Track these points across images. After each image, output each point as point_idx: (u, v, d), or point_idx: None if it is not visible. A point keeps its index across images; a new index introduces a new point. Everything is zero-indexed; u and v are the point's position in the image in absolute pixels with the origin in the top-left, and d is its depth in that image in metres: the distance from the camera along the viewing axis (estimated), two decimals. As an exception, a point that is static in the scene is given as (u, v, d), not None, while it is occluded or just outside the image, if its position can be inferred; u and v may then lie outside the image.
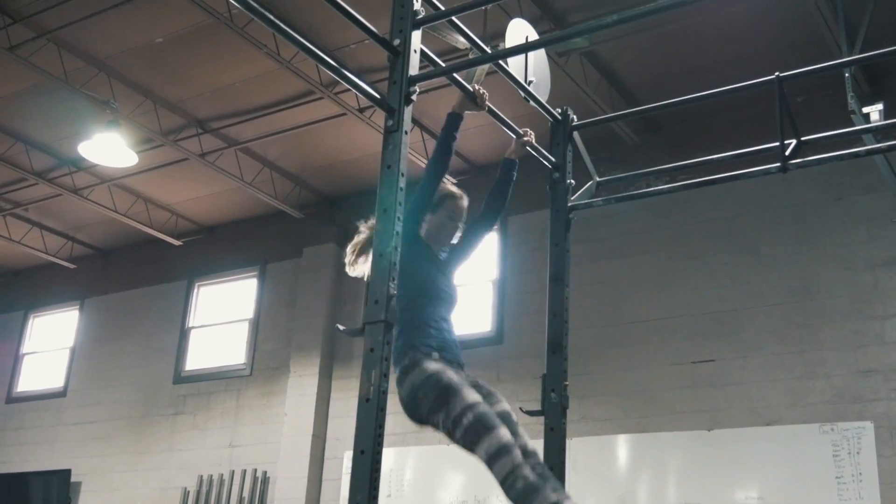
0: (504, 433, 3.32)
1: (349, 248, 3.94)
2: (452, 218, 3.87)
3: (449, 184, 3.91)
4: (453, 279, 3.94)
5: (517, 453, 3.31)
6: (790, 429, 7.13)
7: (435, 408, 3.42)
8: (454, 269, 3.99)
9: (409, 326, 3.57)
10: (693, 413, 7.59)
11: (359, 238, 3.93)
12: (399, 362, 3.54)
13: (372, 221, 3.72)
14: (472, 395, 3.39)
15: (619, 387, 7.97)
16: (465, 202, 3.92)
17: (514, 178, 4.15)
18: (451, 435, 3.41)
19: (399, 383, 3.53)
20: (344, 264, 4.02)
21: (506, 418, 3.53)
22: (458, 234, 3.94)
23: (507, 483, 3.28)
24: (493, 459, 3.29)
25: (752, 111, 7.27)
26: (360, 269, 3.91)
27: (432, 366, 3.48)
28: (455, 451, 9.20)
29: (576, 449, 7.70)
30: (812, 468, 6.93)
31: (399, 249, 3.28)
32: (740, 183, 7.24)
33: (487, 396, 3.56)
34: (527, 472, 3.28)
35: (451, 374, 3.46)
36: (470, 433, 3.33)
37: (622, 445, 7.83)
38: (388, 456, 8.60)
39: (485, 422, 3.32)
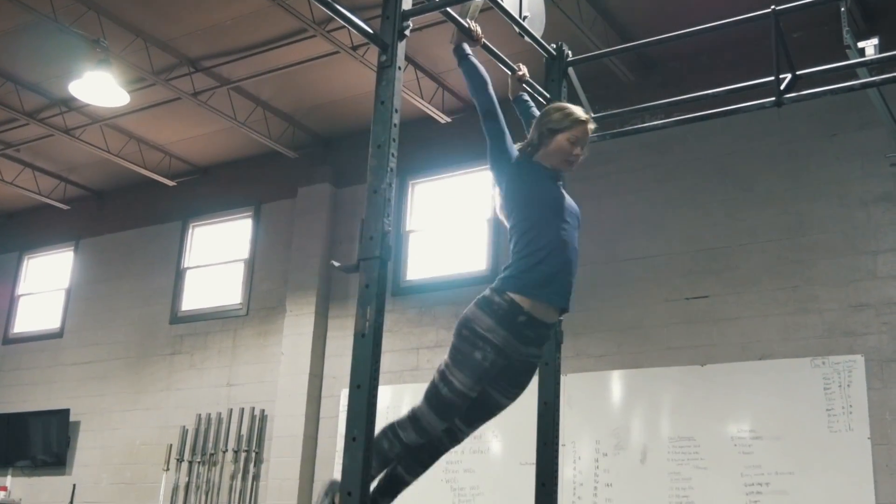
0: (440, 427, 3.43)
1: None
2: (573, 143, 3.58)
3: (577, 108, 3.69)
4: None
5: (419, 443, 3.47)
6: (782, 363, 7.22)
7: (453, 351, 3.39)
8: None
9: (524, 251, 3.44)
10: (687, 349, 7.66)
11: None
12: (494, 286, 3.43)
13: None
14: (470, 386, 3.35)
15: (613, 323, 8.03)
16: (590, 126, 3.64)
17: (533, 107, 4.17)
18: (437, 367, 3.45)
19: (475, 302, 3.43)
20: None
21: (487, 407, 3.56)
22: (576, 164, 3.66)
23: (385, 436, 3.47)
24: (412, 422, 3.44)
25: (748, 49, 7.23)
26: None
27: (495, 331, 3.33)
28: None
29: (571, 385, 7.79)
30: (803, 401, 7.03)
31: (393, 185, 3.28)
32: (735, 120, 7.25)
33: (502, 388, 3.53)
34: (399, 459, 3.55)
35: (491, 356, 3.32)
36: (432, 393, 3.41)
37: (616, 381, 7.91)
38: (385, 393, 8.68)
39: (446, 406, 3.38)
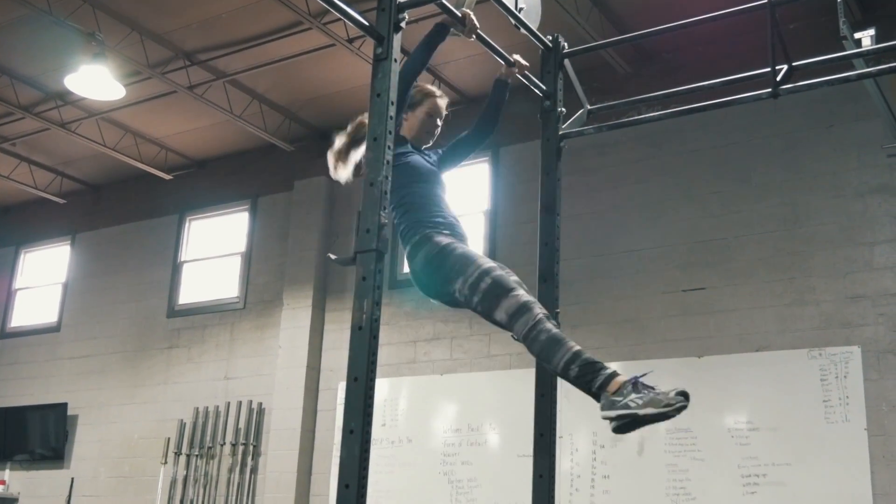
0: (523, 293, 3.36)
1: (330, 156, 4.07)
2: (431, 115, 3.98)
3: (428, 84, 4.04)
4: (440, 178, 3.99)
5: (538, 309, 3.32)
6: (779, 354, 7.23)
7: (452, 276, 3.47)
8: (442, 171, 4.07)
9: (413, 206, 3.69)
10: (684, 340, 7.67)
11: (337, 145, 4.08)
12: (408, 239, 3.63)
13: (349, 127, 3.97)
14: (488, 261, 3.48)
15: (610, 315, 8.04)
16: (443, 101, 4.05)
17: (506, 98, 4.20)
18: (469, 302, 3.45)
19: (410, 258, 3.61)
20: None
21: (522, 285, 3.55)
22: (436, 133, 4.04)
23: (529, 338, 3.28)
24: (515, 318, 3.32)
25: (744, 40, 7.22)
26: (342, 173, 4.01)
27: (444, 239, 3.58)
28: (448, 382, 9.36)
29: (567, 377, 7.79)
30: (800, 392, 7.04)
31: (389, 178, 3.28)
32: (731, 112, 7.26)
33: (502, 268, 3.61)
34: (549, 325, 3.29)
35: (452, 243, 3.56)
36: (489, 296, 3.38)
37: (613, 373, 7.91)
38: (382, 386, 8.71)
39: (503, 283, 3.38)
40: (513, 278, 3.50)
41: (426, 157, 3.96)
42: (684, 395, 3.10)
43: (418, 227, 3.64)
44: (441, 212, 3.72)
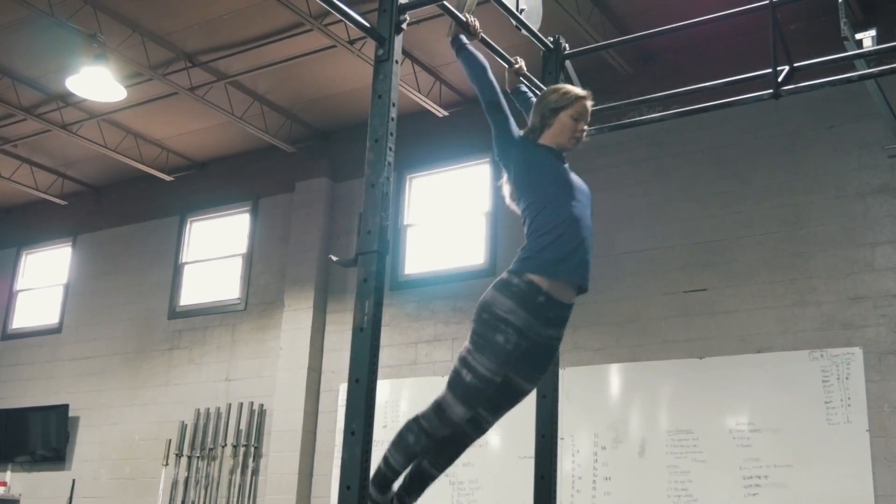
0: (465, 416, 3.38)
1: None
2: (577, 119, 3.61)
3: (573, 86, 3.77)
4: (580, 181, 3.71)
5: (444, 434, 3.43)
6: (780, 355, 7.22)
7: (474, 336, 3.36)
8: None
9: (538, 231, 3.43)
10: (685, 342, 7.67)
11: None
12: (512, 268, 3.41)
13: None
14: (494, 370, 3.31)
15: (611, 317, 8.03)
16: (589, 102, 3.66)
17: (531, 96, 4.19)
18: (459, 355, 3.40)
19: (493, 285, 3.42)
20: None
21: (510, 394, 3.54)
22: (582, 139, 3.68)
23: (410, 430, 3.45)
24: (436, 412, 3.39)
25: (745, 41, 7.21)
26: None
27: (515, 313, 3.32)
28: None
29: (569, 378, 7.79)
30: (801, 394, 7.03)
31: (391, 179, 3.28)
32: (732, 112, 7.25)
33: (524, 373, 3.52)
34: (424, 453, 3.51)
35: (514, 338, 3.31)
36: (456, 381, 3.36)
37: (615, 374, 7.92)
38: (384, 388, 8.71)
39: (471, 393, 3.33)
40: (516, 385, 3.53)
41: (562, 167, 3.63)
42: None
43: (523, 261, 3.39)
44: (558, 239, 3.40)
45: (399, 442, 3.43)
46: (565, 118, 3.60)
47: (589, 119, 3.69)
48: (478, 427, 3.59)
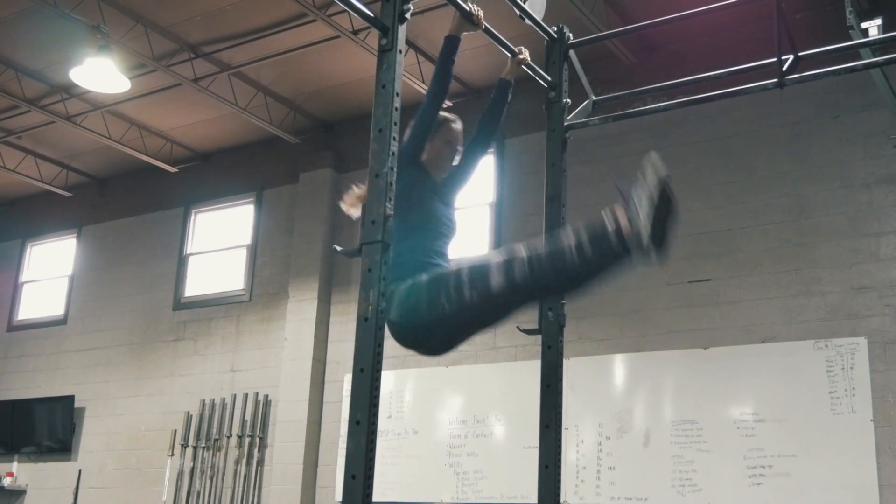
0: (498, 253, 3.25)
1: (346, 199, 3.85)
2: (450, 142, 3.84)
3: (441, 110, 3.82)
4: (454, 207, 3.90)
5: (520, 249, 3.19)
6: (785, 345, 7.22)
7: (433, 296, 3.32)
8: (454, 195, 3.95)
9: (403, 259, 3.48)
10: (689, 332, 7.67)
11: (358, 192, 3.78)
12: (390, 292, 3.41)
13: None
14: (453, 264, 3.38)
15: (615, 307, 8.03)
16: (459, 125, 3.89)
17: (509, 100, 4.12)
18: (464, 303, 3.26)
19: (388, 313, 3.35)
20: (341, 189, 4.02)
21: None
22: (457, 159, 3.90)
23: (535, 271, 3.13)
24: (511, 272, 3.17)
25: (750, 30, 7.20)
26: (355, 213, 3.83)
27: (408, 280, 3.42)
28: (454, 374, 9.32)
29: (573, 369, 7.81)
30: (806, 384, 7.03)
31: (395, 170, 3.28)
32: (737, 102, 7.24)
33: None
34: (539, 249, 3.18)
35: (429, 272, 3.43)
36: (477, 279, 3.22)
37: (619, 365, 7.93)
38: (388, 378, 8.71)
39: (480, 262, 3.26)
40: (487, 255, 3.46)
41: (439, 193, 3.80)
42: (657, 164, 3.02)
43: (398, 282, 3.43)
44: (430, 268, 3.50)
45: (554, 261, 3.12)
46: (438, 141, 3.83)
47: (459, 141, 3.90)
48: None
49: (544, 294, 3.67)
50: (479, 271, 3.23)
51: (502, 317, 3.41)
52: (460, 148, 3.90)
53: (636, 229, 2.93)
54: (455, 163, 3.90)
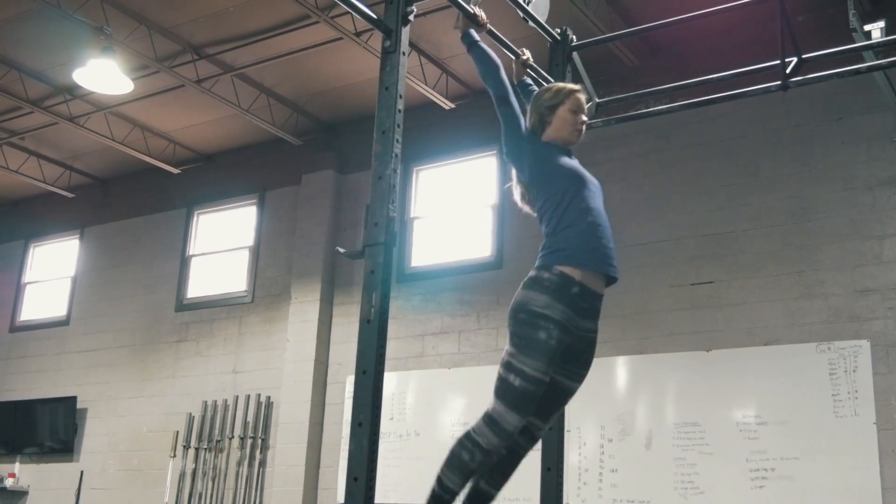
0: (518, 424, 3.22)
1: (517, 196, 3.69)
2: (575, 112, 3.60)
3: (561, 82, 3.82)
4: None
5: (500, 447, 3.25)
6: (787, 348, 7.21)
7: (514, 339, 3.26)
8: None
9: (561, 224, 3.38)
10: (692, 334, 7.66)
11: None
12: (539, 264, 3.35)
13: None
14: (542, 369, 3.21)
15: (618, 309, 8.01)
16: (583, 95, 3.68)
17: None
18: (502, 361, 3.28)
19: (523, 285, 3.33)
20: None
21: (557, 395, 3.45)
22: (584, 130, 3.66)
23: (464, 447, 3.28)
24: (489, 425, 3.24)
25: (753, 32, 7.19)
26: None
27: (552, 307, 3.24)
28: (456, 375, 9.30)
29: (575, 371, 7.78)
30: (809, 386, 7.02)
31: (397, 171, 3.27)
32: (740, 105, 7.25)
33: (568, 371, 3.44)
34: (480, 470, 3.34)
35: (556, 332, 3.22)
36: (504, 389, 3.22)
37: (621, 367, 7.92)
38: (390, 380, 8.71)
39: (522, 398, 3.19)
40: (563, 385, 3.45)
41: (573, 161, 3.64)
42: None
43: (553, 254, 3.33)
44: (588, 228, 3.39)
45: (452, 461, 3.28)
46: (564, 113, 3.59)
47: (586, 110, 3.68)
48: (530, 437, 3.48)
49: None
50: (509, 396, 3.23)
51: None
52: (586, 118, 3.67)
53: None
54: (581, 136, 3.66)
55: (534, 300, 3.25)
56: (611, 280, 3.47)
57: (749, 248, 7.61)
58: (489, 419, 3.24)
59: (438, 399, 8.79)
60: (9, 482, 11.35)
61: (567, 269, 3.29)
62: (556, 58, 4.62)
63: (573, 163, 3.58)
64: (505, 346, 3.30)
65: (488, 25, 3.87)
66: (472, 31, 3.73)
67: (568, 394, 3.51)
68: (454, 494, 3.30)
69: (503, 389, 3.23)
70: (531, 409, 3.25)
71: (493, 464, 3.37)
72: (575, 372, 3.47)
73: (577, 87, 3.70)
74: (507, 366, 3.24)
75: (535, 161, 3.50)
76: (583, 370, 3.49)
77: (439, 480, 3.30)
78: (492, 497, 3.46)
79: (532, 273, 3.34)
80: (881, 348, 6.88)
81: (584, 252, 3.34)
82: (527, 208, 3.63)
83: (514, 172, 3.65)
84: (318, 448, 9.39)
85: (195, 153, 11.29)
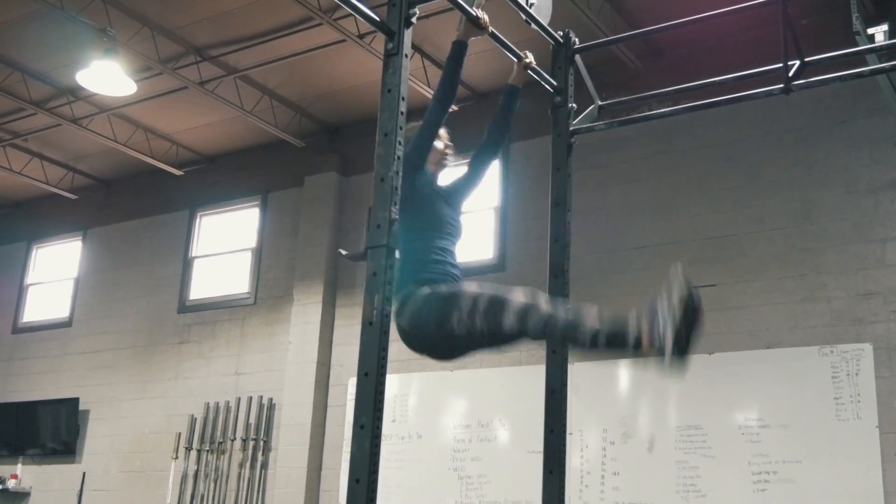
0: (521, 293, 3.25)
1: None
2: (449, 145, 3.93)
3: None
4: (460, 211, 3.93)
5: (542, 302, 3.24)
6: (790, 351, 7.20)
7: (445, 315, 3.34)
8: (461, 200, 3.99)
9: (411, 259, 3.54)
10: (694, 337, 7.63)
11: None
12: (397, 296, 3.47)
13: None
14: (475, 286, 3.37)
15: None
16: (444, 131, 3.94)
17: (517, 106, 4.14)
18: (473, 329, 3.30)
19: (398, 316, 3.48)
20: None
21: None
22: (448, 165, 3.99)
23: (547, 331, 3.25)
24: (525, 320, 3.21)
25: (756, 35, 7.19)
26: None
27: (426, 289, 3.48)
28: (458, 378, 9.32)
29: (578, 374, 7.73)
30: (811, 390, 7.01)
31: (400, 174, 3.28)
32: (742, 108, 7.23)
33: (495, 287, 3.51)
34: (561, 312, 3.23)
35: (448, 285, 3.49)
36: (491, 313, 3.24)
37: (623, 370, 7.91)
38: (392, 382, 8.69)
39: (499, 295, 3.26)
40: (511, 290, 3.44)
41: (444, 195, 3.88)
42: (682, 279, 3.23)
43: (408, 284, 3.51)
44: (439, 266, 3.61)
45: (565, 335, 3.30)
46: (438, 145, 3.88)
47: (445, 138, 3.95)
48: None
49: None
50: (495, 305, 3.25)
51: (505, 346, 3.52)
52: (450, 153, 3.99)
53: (657, 348, 3.11)
54: (444, 169, 3.97)
55: (416, 303, 3.49)
56: None
57: (751, 251, 7.61)
58: (521, 322, 3.22)
59: (440, 402, 8.79)
60: (11, 483, 11.36)
61: (416, 287, 3.55)
62: (559, 61, 4.61)
63: (440, 200, 3.81)
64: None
65: (490, 28, 3.87)
66: (465, 43, 3.72)
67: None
68: (597, 333, 3.21)
69: (492, 314, 3.25)
70: (512, 290, 3.31)
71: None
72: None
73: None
74: (470, 316, 3.29)
75: (411, 189, 3.61)
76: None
77: (592, 345, 3.23)
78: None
79: (397, 307, 3.50)
80: (884, 352, 6.87)
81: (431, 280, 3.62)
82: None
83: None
84: (320, 450, 9.39)
85: (198, 155, 11.30)
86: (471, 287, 3.40)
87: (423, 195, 3.68)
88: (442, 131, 3.88)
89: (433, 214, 3.71)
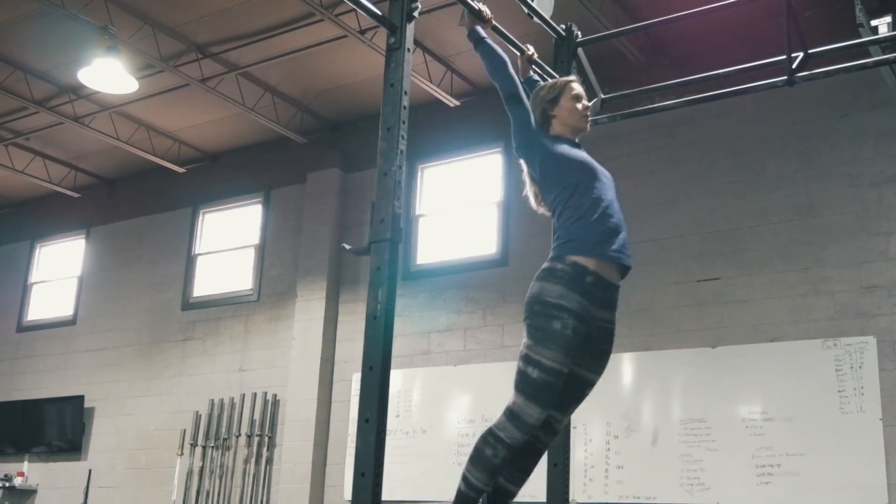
0: (540, 416, 3.21)
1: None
2: (576, 99, 3.62)
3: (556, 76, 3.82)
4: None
5: (522, 441, 3.25)
6: (794, 344, 7.20)
7: (531, 331, 3.26)
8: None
9: (573, 215, 3.37)
10: (698, 331, 7.65)
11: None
12: (553, 255, 3.35)
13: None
14: (561, 360, 3.19)
15: (624, 306, 7.87)
16: (577, 83, 3.70)
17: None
18: (520, 355, 3.28)
19: (537, 276, 3.34)
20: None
21: (577, 387, 3.42)
22: (589, 115, 3.71)
23: (487, 443, 3.28)
24: (510, 419, 3.24)
25: (759, 28, 7.17)
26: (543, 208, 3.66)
27: (567, 297, 3.23)
28: (462, 373, 9.32)
29: (581, 368, 7.79)
30: (815, 383, 7.01)
31: (403, 168, 3.28)
32: (746, 101, 7.22)
33: (587, 363, 3.41)
34: (503, 466, 3.32)
35: (571, 322, 3.21)
36: (524, 382, 3.22)
37: (627, 363, 7.91)
38: (396, 377, 8.72)
39: (542, 390, 3.19)
40: (581, 375, 3.40)
41: (583, 150, 3.64)
42: None
43: (566, 245, 3.32)
44: (600, 218, 3.38)
45: (476, 458, 3.30)
46: (566, 103, 3.60)
47: (585, 97, 3.69)
48: (550, 430, 3.46)
49: None
50: (529, 388, 3.23)
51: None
52: (588, 103, 3.70)
53: None
54: (588, 121, 3.69)
55: (548, 291, 3.25)
56: (625, 270, 3.45)
57: (755, 244, 7.60)
58: (510, 413, 3.24)
59: (444, 396, 8.79)
60: (18, 481, 11.38)
61: (580, 259, 3.28)
62: (562, 54, 4.62)
63: (583, 154, 3.57)
64: (522, 338, 3.29)
65: (493, 22, 3.87)
66: (479, 28, 3.73)
67: (587, 386, 3.47)
68: (480, 492, 3.34)
69: (523, 382, 3.22)
70: (551, 402, 3.24)
71: (515, 458, 3.36)
72: (593, 363, 3.44)
73: (571, 77, 3.75)
74: (525, 358, 3.24)
75: (546, 155, 3.49)
76: (601, 361, 3.46)
77: (465, 479, 3.36)
78: (513, 494, 3.47)
79: (546, 264, 3.34)
80: (887, 344, 6.87)
81: (596, 242, 3.32)
82: (542, 209, 3.62)
83: (525, 175, 3.65)
84: (325, 445, 9.41)
85: (200, 152, 11.31)
86: (560, 356, 3.22)
87: (559, 155, 3.51)
88: (571, 83, 3.66)
89: (581, 166, 3.53)
